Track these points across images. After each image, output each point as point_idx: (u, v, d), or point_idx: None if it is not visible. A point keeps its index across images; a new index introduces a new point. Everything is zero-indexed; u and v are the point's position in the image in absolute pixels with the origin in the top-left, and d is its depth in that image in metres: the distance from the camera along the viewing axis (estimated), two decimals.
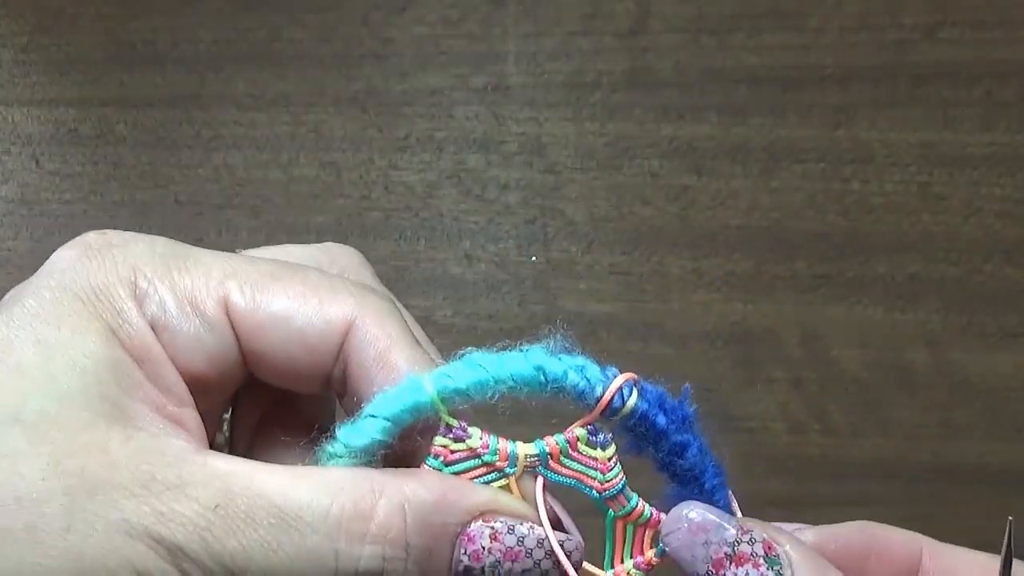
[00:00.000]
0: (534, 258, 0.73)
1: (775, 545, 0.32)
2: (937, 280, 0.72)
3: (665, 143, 0.72)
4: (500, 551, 0.32)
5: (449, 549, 0.32)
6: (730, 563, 0.32)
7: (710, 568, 0.32)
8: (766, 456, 0.73)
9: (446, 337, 0.72)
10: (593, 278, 0.72)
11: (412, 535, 0.31)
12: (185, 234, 0.74)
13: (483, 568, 0.32)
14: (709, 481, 0.35)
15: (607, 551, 0.35)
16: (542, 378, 0.33)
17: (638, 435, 0.34)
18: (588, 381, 0.34)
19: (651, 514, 0.35)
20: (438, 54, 0.73)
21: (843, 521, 0.71)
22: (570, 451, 0.34)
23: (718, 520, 0.32)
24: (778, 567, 0.32)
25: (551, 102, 0.72)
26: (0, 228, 0.76)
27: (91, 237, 0.34)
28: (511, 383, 0.33)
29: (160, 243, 0.34)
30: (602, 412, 0.34)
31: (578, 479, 0.34)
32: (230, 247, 0.76)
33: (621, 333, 0.73)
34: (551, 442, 0.34)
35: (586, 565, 0.34)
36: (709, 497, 0.35)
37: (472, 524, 0.32)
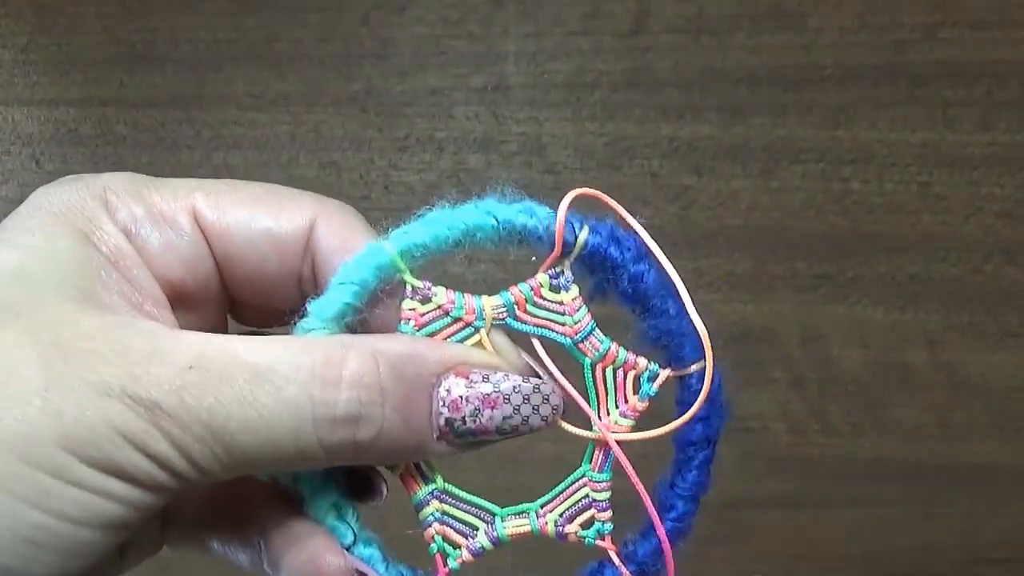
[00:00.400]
0: (534, 258, 0.73)
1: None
2: (937, 280, 0.72)
3: (665, 143, 0.72)
4: (478, 398, 0.32)
5: (427, 401, 0.32)
6: None
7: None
8: (766, 456, 0.73)
9: None
10: None
11: (386, 381, 0.31)
12: None
13: (463, 417, 0.32)
14: (673, 306, 0.36)
15: (591, 403, 0.35)
16: (494, 222, 0.34)
17: (596, 271, 0.35)
18: (537, 218, 0.34)
19: (627, 357, 0.35)
20: (438, 54, 0.73)
21: (843, 521, 0.72)
22: (535, 298, 0.35)
23: None
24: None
25: (551, 102, 0.72)
26: None
27: (65, 176, 0.35)
28: (466, 232, 0.34)
29: (130, 173, 0.36)
30: (554, 247, 0.34)
31: (547, 326, 0.35)
32: None
33: (621, 333, 0.73)
34: (515, 292, 0.35)
35: (567, 426, 0.35)
36: (677, 322, 0.36)
37: (446, 377, 0.32)
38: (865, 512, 0.73)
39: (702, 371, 0.35)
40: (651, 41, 0.72)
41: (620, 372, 0.35)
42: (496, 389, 0.33)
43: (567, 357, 0.35)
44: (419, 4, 0.73)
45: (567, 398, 0.34)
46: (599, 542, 0.35)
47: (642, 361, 0.35)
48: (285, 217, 0.35)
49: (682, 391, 0.36)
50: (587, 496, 0.35)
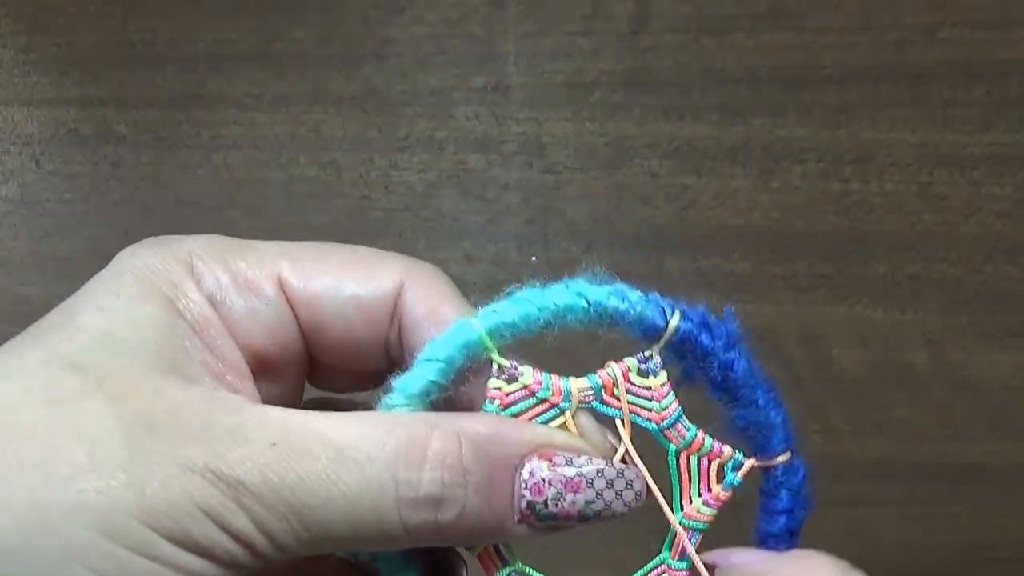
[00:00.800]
0: (534, 258, 0.73)
1: None
2: (937, 280, 0.72)
3: (665, 143, 0.72)
4: (561, 482, 0.32)
5: (509, 482, 0.32)
6: None
7: None
8: None
9: None
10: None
11: (470, 462, 0.31)
12: (185, 234, 0.74)
13: (546, 501, 0.32)
14: (763, 397, 0.35)
15: (674, 490, 0.34)
16: (584, 303, 0.34)
17: (685, 358, 0.35)
18: (629, 302, 0.34)
19: (712, 445, 0.35)
20: (438, 54, 0.73)
21: (843, 521, 0.72)
22: (622, 382, 0.34)
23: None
24: None
25: (551, 102, 0.72)
26: (0, 228, 0.76)
27: (148, 238, 0.35)
28: (556, 313, 0.34)
29: (215, 236, 0.35)
30: (646, 333, 0.34)
31: (633, 411, 0.34)
32: None
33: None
34: (603, 375, 0.34)
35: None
36: (765, 414, 0.35)
37: (530, 459, 0.32)
38: (865, 512, 0.73)
39: (788, 463, 0.35)
40: (651, 41, 0.72)
41: (705, 460, 0.35)
42: (580, 473, 0.32)
43: (653, 443, 0.35)
44: (419, 4, 0.73)
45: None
46: (741, 473, 0.35)
47: (727, 450, 0.35)
48: (373, 283, 0.35)
49: (766, 482, 0.36)
50: (692, 459, 0.35)
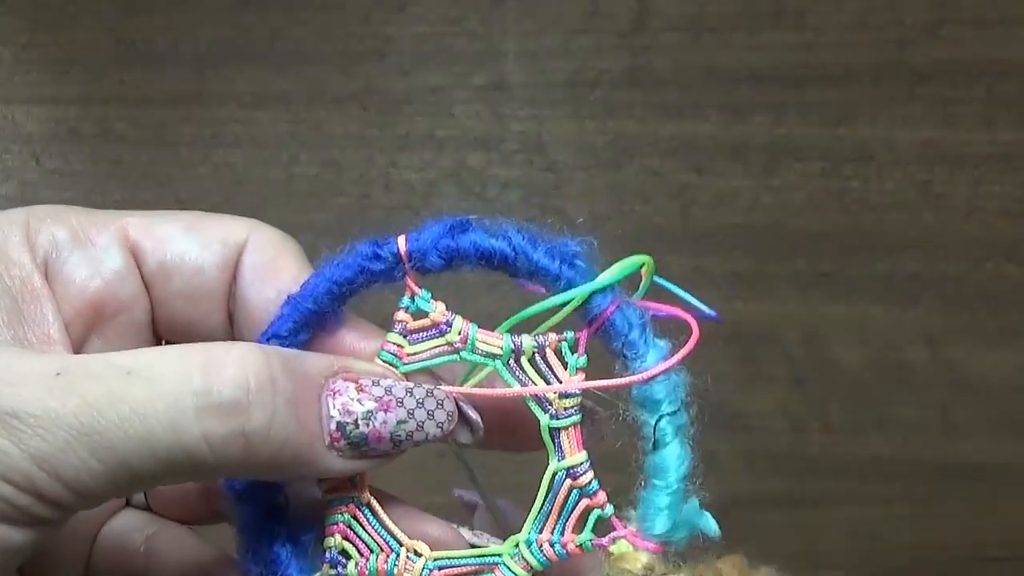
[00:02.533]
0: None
1: None
2: (938, 279, 0.72)
3: (665, 141, 0.72)
4: (370, 400, 0.30)
5: (316, 401, 0.30)
6: None
7: None
8: (766, 455, 0.73)
9: None
10: None
11: (276, 371, 0.29)
12: None
13: (356, 420, 0.30)
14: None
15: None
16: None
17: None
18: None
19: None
20: (438, 52, 0.73)
21: (843, 519, 0.72)
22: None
23: None
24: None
25: (551, 100, 0.72)
26: None
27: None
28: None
29: (60, 205, 0.34)
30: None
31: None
32: None
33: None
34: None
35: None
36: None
37: (334, 381, 0.30)
38: (865, 511, 0.73)
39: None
40: (651, 39, 0.72)
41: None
42: (388, 391, 0.31)
43: None
44: (419, 2, 0.73)
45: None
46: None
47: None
48: (218, 233, 0.33)
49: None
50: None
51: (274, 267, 0.33)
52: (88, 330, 0.33)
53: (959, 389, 0.72)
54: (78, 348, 0.32)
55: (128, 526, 0.30)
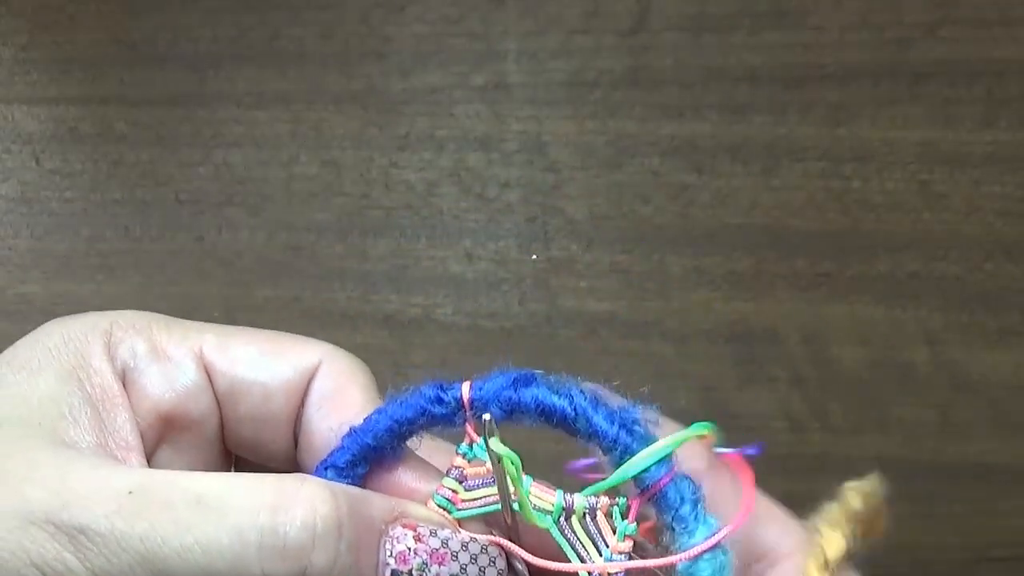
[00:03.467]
0: (535, 256, 0.73)
1: None
2: (938, 278, 0.72)
3: (666, 141, 0.72)
4: (426, 552, 0.31)
5: (376, 546, 0.30)
6: None
7: None
8: (766, 455, 0.72)
9: (446, 335, 0.72)
10: (593, 276, 0.72)
11: (343, 515, 0.29)
12: (186, 232, 0.74)
13: (410, 571, 0.31)
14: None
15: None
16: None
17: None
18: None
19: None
20: (438, 52, 0.73)
21: None
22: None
23: None
24: None
25: (551, 100, 0.72)
26: (0, 227, 0.76)
27: (81, 314, 0.34)
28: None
29: (146, 313, 0.35)
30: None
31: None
32: (230, 245, 0.76)
33: (621, 331, 0.73)
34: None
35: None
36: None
37: (394, 527, 0.31)
38: None
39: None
40: (652, 39, 0.72)
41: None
42: (445, 544, 0.31)
43: None
44: (419, 2, 0.73)
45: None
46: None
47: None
48: (291, 357, 0.34)
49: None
50: None
51: (341, 397, 0.34)
52: (159, 441, 0.33)
53: (959, 389, 0.72)
54: (149, 457, 0.33)
55: None
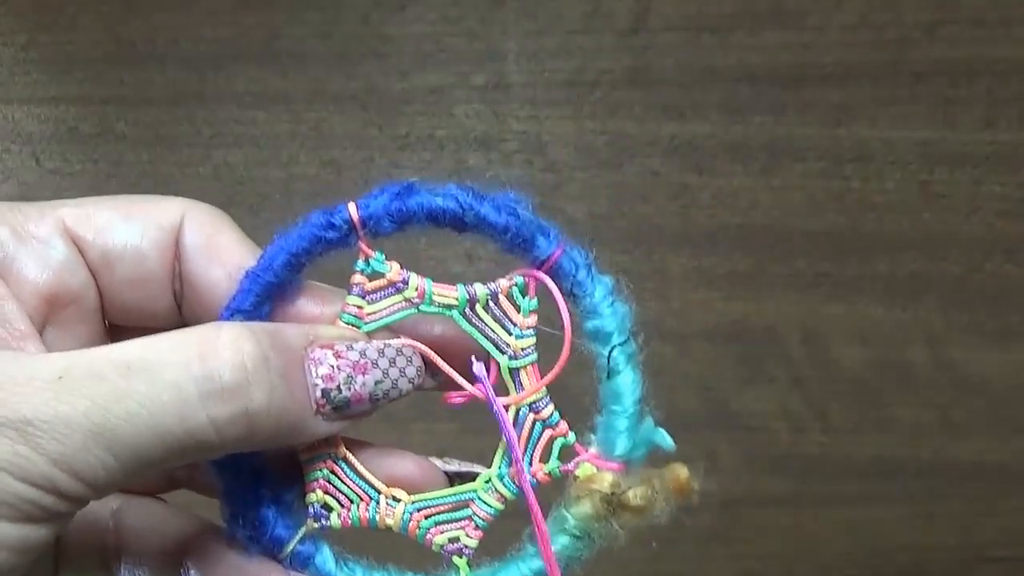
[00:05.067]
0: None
1: None
2: (938, 278, 0.72)
3: (665, 141, 0.72)
4: (348, 366, 0.32)
5: (301, 372, 0.31)
6: None
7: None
8: (767, 455, 0.73)
9: None
10: None
11: (267, 348, 0.30)
12: None
13: (339, 386, 0.32)
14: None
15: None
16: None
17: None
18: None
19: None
20: (438, 52, 0.73)
21: (843, 520, 0.72)
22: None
23: None
24: None
25: (551, 100, 0.72)
26: None
27: None
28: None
29: None
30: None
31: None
32: None
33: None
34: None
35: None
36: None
37: (313, 350, 0.32)
38: (865, 511, 0.73)
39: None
40: (651, 39, 0.72)
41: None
42: (363, 354, 0.33)
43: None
44: (419, 2, 0.73)
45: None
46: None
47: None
48: (154, 216, 0.34)
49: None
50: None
51: (215, 246, 0.34)
52: (43, 322, 0.34)
53: (959, 389, 0.72)
54: None
55: (92, 504, 0.31)
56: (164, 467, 0.30)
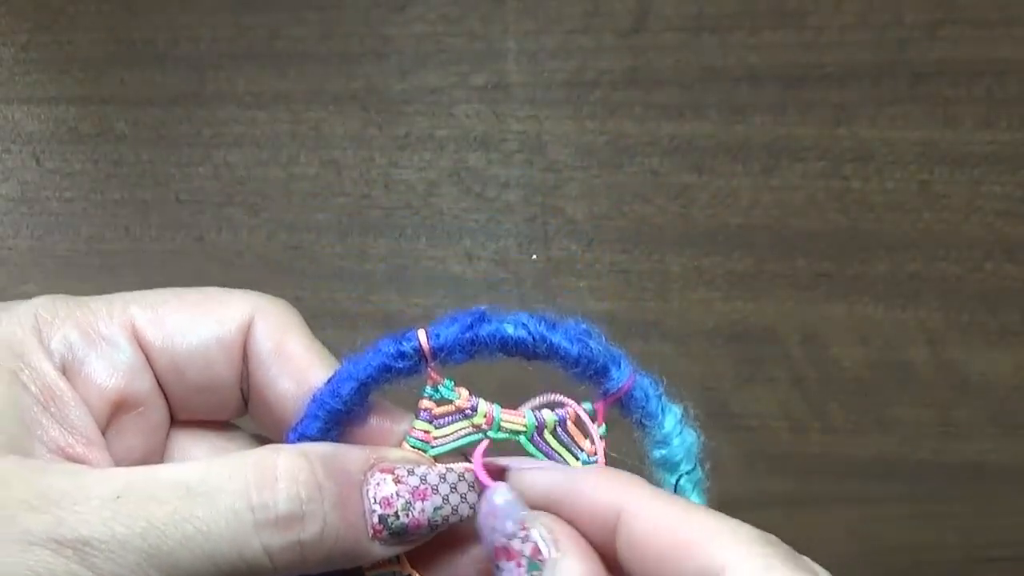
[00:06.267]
0: (534, 256, 0.73)
1: (543, 550, 0.31)
2: (938, 278, 0.72)
3: (665, 141, 0.72)
4: (407, 492, 0.32)
5: (358, 497, 0.32)
6: (502, 555, 0.31)
7: (490, 553, 0.32)
8: (766, 455, 0.73)
9: None
10: (593, 276, 0.72)
11: (322, 477, 0.31)
12: (186, 232, 0.74)
13: (396, 512, 0.32)
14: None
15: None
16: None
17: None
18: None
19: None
20: (438, 52, 0.73)
21: (845, 519, 0.72)
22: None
23: (507, 509, 0.32)
24: (537, 572, 0.31)
25: (551, 100, 0.72)
26: (0, 226, 0.76)
27: None
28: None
29: (60, 296, 0.34)
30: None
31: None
32: (230, 245, 0.76)
33: (621, 331, 0.73)
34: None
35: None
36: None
37: (373, 474, 0.32)
38: (865, 511, 0.73)
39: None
40: (652, 39, 0.72)
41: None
42: (423, 480, 0.32)
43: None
44: (419, 2, 0.73)
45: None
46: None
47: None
48: (223, 319, 0.34)
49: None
50: None
51: (284, 353, 0.34)
52: (108, 425, 0.33)
53: (959, 389, 0.72)
54: None
55: None
56: None
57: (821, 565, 0.34)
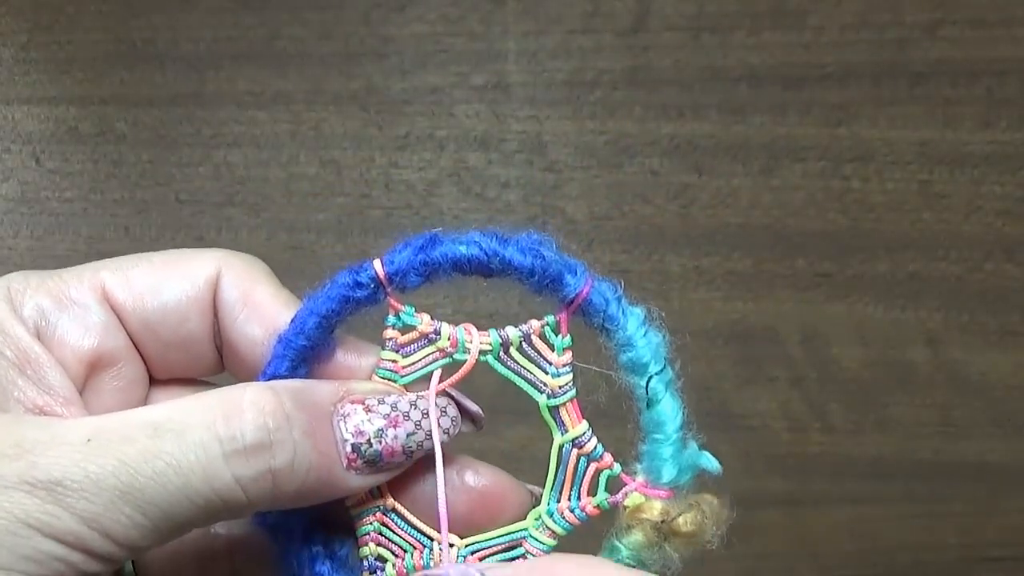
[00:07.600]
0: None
1: None
2: (937, 278, 0.72)
3: (665, 141, 0.72)
4: (379, 420, 0.32)
5: (329, 427, 0.32)
6: None
7: None
8: (766, 455, 0.73)
9: None
10: None
11: (289, 408, 0.31)
12: (186, 232, 0.74)
13: (369, 440, 0.32)
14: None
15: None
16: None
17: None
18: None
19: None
20: (438, 52, 0.73)
21: (843, 519, 0.72)
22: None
23: None
24: None
25: (551, 100, 0.72)
26: (0, 226, 0.76)
27: None
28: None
29: (30, 271, 0.35)
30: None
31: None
32: (230, 245, 0.76)
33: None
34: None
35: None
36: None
37: (342, 406, 0.32)
38: (865, 511, 0.73)
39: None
40: (651, 39, 0.72)
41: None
42: (394, 407, 0.33)
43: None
44: (419, 2, 0.73)
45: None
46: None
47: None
48: (190, 275, 0.35)
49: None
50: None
51: (251, 302, 0.35)
52: (85, 385, 0.34)
53: (959, 389, 0.72)
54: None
55: None
56: (196, 526, 0.31)
57: (821, 565, 0.34)
